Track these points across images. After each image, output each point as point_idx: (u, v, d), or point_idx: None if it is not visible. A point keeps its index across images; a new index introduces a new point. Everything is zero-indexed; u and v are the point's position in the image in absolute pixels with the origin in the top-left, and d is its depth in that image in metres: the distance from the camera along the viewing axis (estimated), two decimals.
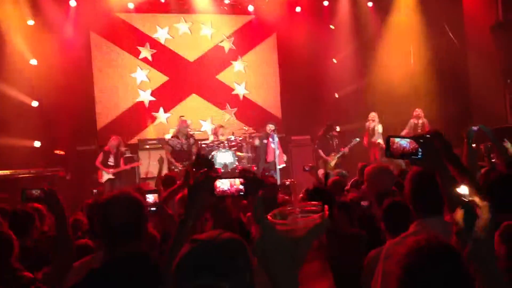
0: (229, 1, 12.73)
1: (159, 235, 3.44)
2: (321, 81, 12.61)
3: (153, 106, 12.21)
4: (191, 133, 10.44)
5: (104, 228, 2.16)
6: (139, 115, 12.04)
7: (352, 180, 5.13)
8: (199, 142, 10.84)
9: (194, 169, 2.63)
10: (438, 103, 10.95)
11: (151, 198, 3.57)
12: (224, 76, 12.83)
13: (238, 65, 12.92)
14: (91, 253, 2.86)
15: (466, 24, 11.30)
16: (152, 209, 3.44)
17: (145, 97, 12.19)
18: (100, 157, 9.71)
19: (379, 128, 11.09)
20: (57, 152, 10.52)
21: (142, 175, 10.43)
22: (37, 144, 10.41)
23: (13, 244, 2.95)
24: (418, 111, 10.80)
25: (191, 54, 12.56)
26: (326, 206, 1.12)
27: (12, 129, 9.63)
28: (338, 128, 11.77)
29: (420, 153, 1.93)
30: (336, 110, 12.38)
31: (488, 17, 10.49)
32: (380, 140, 10.76)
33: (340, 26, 12.87)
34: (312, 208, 1.14)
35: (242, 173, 3.27)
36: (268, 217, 1.12)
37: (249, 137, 11.26)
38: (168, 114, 12.24)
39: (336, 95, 12.92)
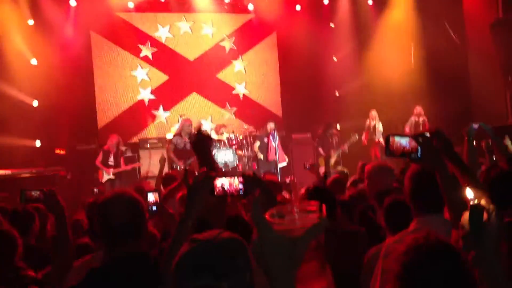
0: (229, 0, 12.72)
1: (159, 234, 3.44)
2: (321, 80, 12.61)
3: (153, 105, 12.21)
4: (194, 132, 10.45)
5: (103, 228, 2.16)
6: (140, 114, 12.04)
7: (352, 178, 5.12)
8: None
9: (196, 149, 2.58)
10: (438, 101, 10.94)
11: (151, 197, 3.57)
12: (224, 75, 12.82)
13: (238, 65, 12.91)
14: (91, 252, 2.86)
15: (466, 21, 11.29)
16: (153, 208, 3.44)
17: (145, 95, 12.19)
18: (100, 157, 9.70)
19: (380, 127, 11.10)
20: (57, 151, 10.53)
21: (143, 175, 10.43)
22: (37, 143, 10.42)
23: (17, 243, 2.95)
24: (418, 109, 10.80)
25: (191, 53, 12.56)
26: (324, 206, 1.12)
27: (13, 128, 9.63)
28: (338, 126, 11.79)
29: (419, 152, 1.93)
30: (337, 108, 12.38)
31: (488, 14, 10.47)
32: (381, 139, 10.76)
33: (340, 25, 12.85)
34: (310, 207, 1.14)
35: (242, 173, 3.26)
36: (266, 216, 1.11)
37: (250, 135, 11.26)
38: (168, 113, 12.24)
39: (337, 93, 12.92)
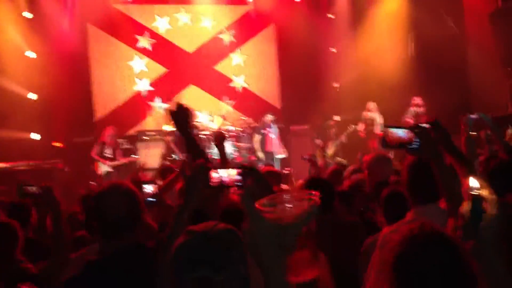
0: None
1: (157, 226, 3.43)
2: (320, 71, 12.57)
3: (151, 97, 12.17)
4: (196, 124, 10.46)
5: (99, 221, 2.14)
6: (137, 106, 12.01)
7: (350, 168, 5.11)
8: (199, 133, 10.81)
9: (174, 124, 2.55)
10: (437, 91, 10.90)
11: (149, 188, 3.56)
12: (222, 67, 12.78)
13: (236, 58, 12.87)
14: (88, 245, 2.85)
15: (465, 11, 11.25)
16: (150, 199, 3.43)
17: (143, 87, 12.15)
18: (96, 149, 9.68)
19: (378, 118, 11.08)
20: (56, 144, 10.51)
21: (140, 166, 10.40)
22: (35, 136, 10.39)
23: (18, 235, 2.94)
24: (417, 100, 10.78)
25: (189, 45, 12.50)
26: (316, 193, 1.11)
27: (10, 121, 9.60)
28: (338, 118, 11.78)
29: (416, 143, 1.92)
30: (335, 99, 12.35)
31: (487, 4, 10.42)
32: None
33: (339, 15, 12.79)
34: (301, 195, 1.13)
35: (239, 164, 3.26)
36: (257, 205, 1.10)
37: (248, 127, 11.25)
38: (165, 105, 12.20)
39: (335, 85, 12.88)
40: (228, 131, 10.75)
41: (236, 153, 10.62)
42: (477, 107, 9.75)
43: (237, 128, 10.99)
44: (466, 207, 1.47)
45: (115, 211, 2.10)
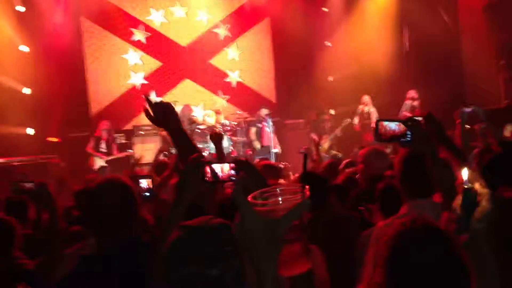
0: None
1: (152, 221, 3.43)
2: (314, 64, 12.56)
3: (146, 91, 12.11)
4: (194, 118, 10.46)
5: (94, 216, 2.14)
6: (133, 101, 11.96)
7: (345, 162, 5.11)
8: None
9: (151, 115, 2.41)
10: (431, 85, 10.92)
11: (144, 183, 3.56)
12: (217, 61, 12.75)
13: (231, 53, 12.83)
14: (84, 239, 2.85)
15: (459, 4, 11.24)
16: (146, 194, 3.43)
17: (137, 80, 12.11)
18: (91, 143, 9.65)
19: (374, 112, 11.09)
20: (52, 139, 10.47)
21: (135, 160, 10.37)
22: (30, 131, 10.34)
23: (15, 232, 2.94)
24: (412, 93, 10.79)
25: (184, 39, 12.46)
26: (307, 186, 1.11)
27: (4, 116, 9.55)
28: (332, 112, 11.78)
29: (409, 136, 1.93)
30: (330, 93, 12.35)
31: None
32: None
33: (333, 9, 12.77)
34: (293, 189, 1.13)
35: (233, 158, 3.26)
36: (249, 198, 1.10)
37: (244, 121, 11.24)
38: (160, 99, 12.16)
39: (330, 78, 12.88)
40: (224, 125, 10.74)
41: (232, 147, 10.61)
42: (471, 99, 9.76)
43: (232, 122, 10.97)
44: (458, 200, 1.48)
45: (110, 207, 2.09)
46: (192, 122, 10.26)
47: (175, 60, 12.29)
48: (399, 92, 11.09)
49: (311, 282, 1.71)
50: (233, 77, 12.82)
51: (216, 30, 12.71)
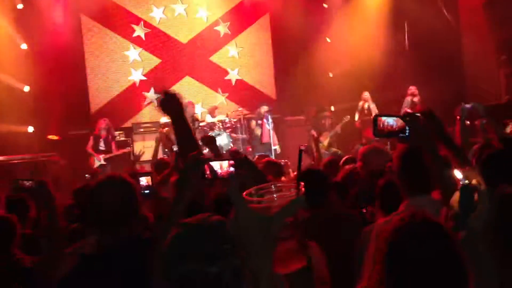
0: None
1: (152, 218, 3.43)
2: (315, 61, 12.52)
3: (146, 88, 12.11)
4: (196, 116, 10.48)
5: (95, 214, 2.14)
6: (133, 98, 11.96)
7: (344, 158, 5.10)
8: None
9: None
10: (432, 81, 10.91)
11: (144, 180, 3.56)
12: (217, 58, 12.73)
13: (232, 51, 12.81)
14: (84, 238, 2.84)
15: (459, 0, 11.22)
16: (145, 191, 3.43)
17: (137, 77, 12.09)
18: (91, 142, 9.65)
19: (374, 108, 11.07)
20: (52, 137, 10.46)
21: (135, 158, 10.39)
22: (30, 129, 10.34)
23: (15, 229, 2.94)
24: (413, 89, 10.77)
25: (184, 36, 12.44)
26: (302, 183, 1.11)
27: (4, 114, 9.54)
28: (333, 108, 11.77)
29: (407, 131, 1.93)
30: (330, 89, 12.33)
31: None
32: None
33: (334, 5, 12.74)
34: (288, 186, 1.13)
35: (232, 155, 3.26)
36: (244, 195, 1.10)
37: (244, 118, 11.23)
38: (159, 96, 12.12)
39: (330, 74, 12.86)
40: (224, 122, 10.73)
41: (232, 145, 10.61)
42: (471, 96, 9.76)
43: (232, 119, 10.97)
44: (455, 197, 1.48)
45: (111, 204, 2.09)
46: (195, 120, 10.27)
47: (175, 57, 12.28)
48: (399, 88, 11.08)
49: (309, 278, 1.71)
50: (233, 74, 12.80)
51: (216, 28, 12.68)
